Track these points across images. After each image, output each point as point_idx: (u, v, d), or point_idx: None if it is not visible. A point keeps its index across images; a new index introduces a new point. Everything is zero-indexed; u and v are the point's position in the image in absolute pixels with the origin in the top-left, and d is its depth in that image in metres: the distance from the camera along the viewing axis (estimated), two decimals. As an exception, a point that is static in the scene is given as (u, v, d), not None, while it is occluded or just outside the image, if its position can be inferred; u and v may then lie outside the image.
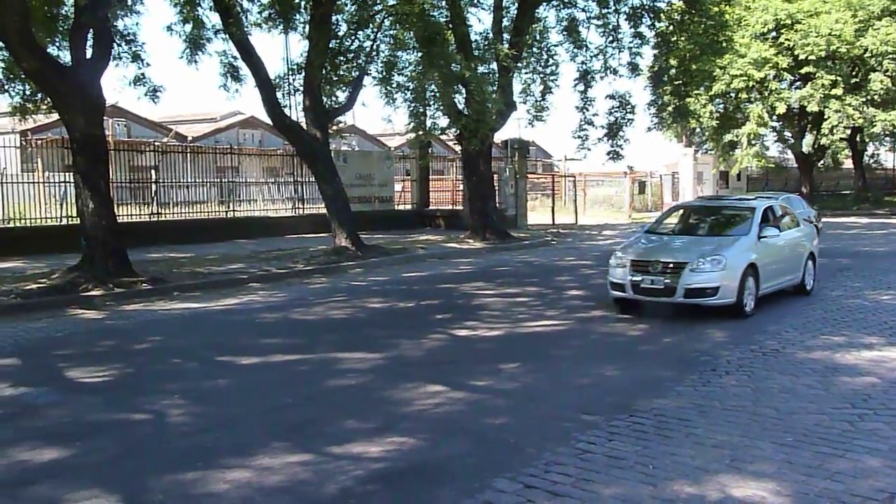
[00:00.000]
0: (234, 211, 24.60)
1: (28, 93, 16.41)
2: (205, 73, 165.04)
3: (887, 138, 43.05)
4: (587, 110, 24.45)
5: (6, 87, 16.32)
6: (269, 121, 22.04)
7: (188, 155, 24.46)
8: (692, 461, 5.30)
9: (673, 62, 25.29)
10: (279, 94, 19.20)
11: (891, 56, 33.24)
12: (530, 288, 14.19)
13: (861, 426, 5.96)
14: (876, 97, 34.28)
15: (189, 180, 23.86)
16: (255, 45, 18.29)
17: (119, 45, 15.81)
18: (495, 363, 8.31)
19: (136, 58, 16.20)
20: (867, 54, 33.79)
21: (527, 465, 5.25)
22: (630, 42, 24.14)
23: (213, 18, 18.20)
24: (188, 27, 17.61)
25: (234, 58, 18.63)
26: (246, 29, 18.29)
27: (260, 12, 19.25)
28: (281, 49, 55.38)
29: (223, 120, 46.43)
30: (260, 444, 5.75)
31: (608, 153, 24.84)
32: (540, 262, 18.78)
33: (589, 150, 25.21)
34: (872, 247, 20.91)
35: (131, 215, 21.38)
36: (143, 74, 16.25)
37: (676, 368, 7.90)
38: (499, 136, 25.76)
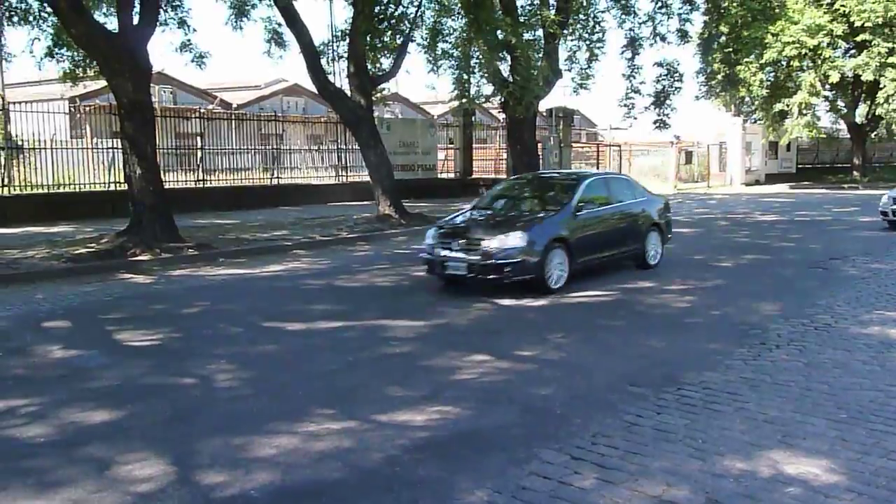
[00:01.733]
0: (277, 178, 24.76)
1: (77, 59, 16.60)
2: (249, 39, 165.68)
3: (946, 108, 41.66)
4: (634, 78, 24.04)
5: (55, 53, 16.53)
6: (312, 88, 22.08)
7: (233, 122, 24.65)
8: (742, 436, 5.20)
9: (723, 29, 24.71)
10: (323, 61, 19.17)
11: (952, 22, 32.10)
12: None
13: (919, 404, 5.79)
14: (935, 65, 33.16)
15: (234, 147, 24.06)
16: (299, 11, 18.23)
17: (165, 12, 15.90)
18: (541, 333, 8.26)
19: (182, 24, 16.29)
20: (927, 20, 32.65)
21: (573, 437, 5.20)
22: (679, 8, 23.66)
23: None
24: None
25: (279, 24, 18.66)
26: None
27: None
28: (326, 15, 55.36)
29: (267, 87, 46.59)
30: (305, 411, 5.77)
31: (655, 122, 24.46)
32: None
33: (635, 118, 24.83)
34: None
35: (177, 182, 21.64)
36: (188, 41, 16.37)
37: (725, 341, 7.76)
38: (543, 105, 25.44)
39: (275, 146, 25.33)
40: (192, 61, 16.51)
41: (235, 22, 17.80)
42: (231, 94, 43.00)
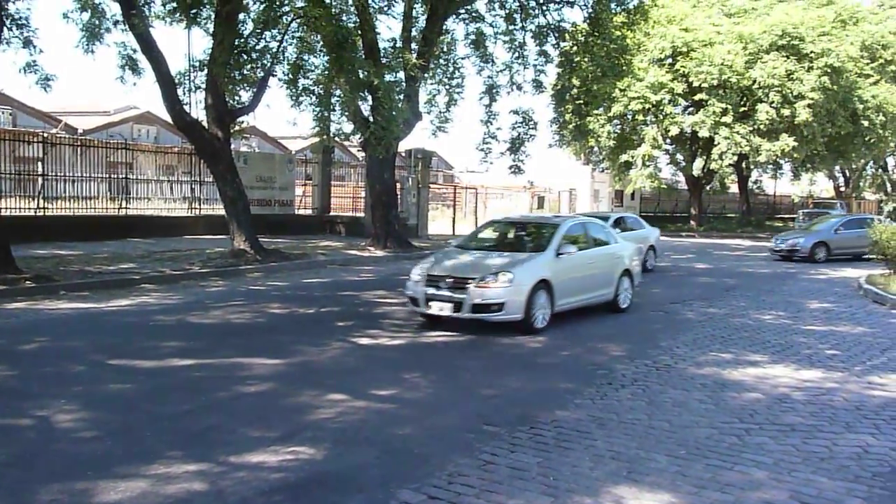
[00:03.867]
0: (126, 209, 23.70)
1: None
2: (100, 63, 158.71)
3: (770, 166, 45.44)
4: (491, 124, 24.75)
5: None
6: (165, 116, 21.42)
7: (78, 148, 23.39)
8: (591, 472, 5.42)
9: (575, 82, 26.00)
10: (180, 91, 18.66)
11: (776, 88, 35.10)
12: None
13: (748, 440, 6.23)
14: (762, 127, 36.10)
15: (79, 175, 22.83)
16: (157, 38, 17.71)
17: (10, 30, 15.02)
18: (398, 372, 8.30)
19: (27, 43, 15.39)
20: (755, 85, 35.58)
21: (431, 476, 5.25)
22: (535, 59, 24.65)
23: (113, 8, 17.54)
24: (86, 15, 16.92)
25: (134, 50, 17.99)
26: (148, 21, 17.69)
27: (163, 5, 18.68)
28: (184, 44, 53.96)
29: (117, 114, 44.79)
30: (155, 453, 5.54)
31: (510, 167, 25.20)
32: (441, 273, 18.84)
33: (491, 163, 25.50)
34: (756, 268, 21.96)
35: (14, 209, 20.29)
36: (34, 62, 15.47)
37: (575, 381, 8.07)
38: (403, 146, 25.79)
39: (124, 175, 24.27)
40: (38, 83, 15.61)
41: (87, 45, 17.03)
42: (78, 119, 41.01)
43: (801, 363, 9.20)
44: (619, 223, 19.68)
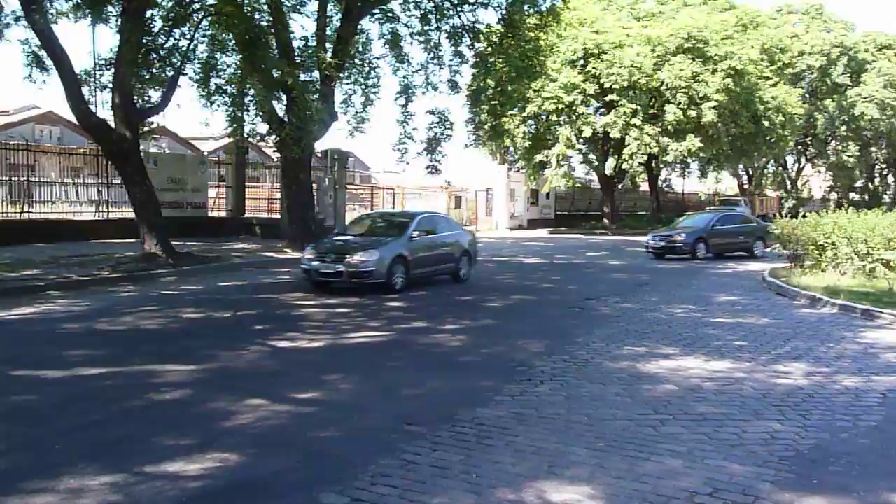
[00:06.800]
0: (28, 213, 22.76)
1: None
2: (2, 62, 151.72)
3: (678, 165, 46.93)
4: (407, 124, 24.72)
5: None
6: (70, 116, 20.67)
7: (-26, 150, 22.35)
8: (513, 468, 5.48)
9: (490, 82, 26.15)
10: (86, 90, 18.04)
11: (683, 90, 36.23)
12: (351, 299, 14.15)
13: (663, 430, 6.40)
14: (669, 127, 37.21)
15: (-25, 177, 21.81)
16: (62, 35, 17.10)
17: None
18: (319, 375, 8.22)
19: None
20: (663, 87, 36.64)
21: (353, 478, 5.21)
22: (450, 60, 24.76)
23: (13, 3, 16.84)
24: (-17, 11, 16.22)
25: (39, 47, 17.32)
26: (51, 18, 17.04)
27: (67, 0, 18.02)
28: (90, 42, 52.22)
29: (17, 114, 42.99)
30: (66, 466, 5.33)
31: (427, 167, 25.25)
32: (359, 274, 18.76)
33: (408, 163, 25.52)
34: (667, 264, 22.61)
35: None
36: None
37: (495, 378, 8.14)
38: (319, 146, 25.52)
39: (25, 178, 23.28)
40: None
41: (-15, 42, 16.34)
42: (-27, 120, 39.14)
43: (711, 355, 9.51)
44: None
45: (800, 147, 59.66)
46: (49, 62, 17.40)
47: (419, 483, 5.16)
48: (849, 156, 55.17)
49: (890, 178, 68.75)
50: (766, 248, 24.41)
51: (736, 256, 24.96)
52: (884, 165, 66.85)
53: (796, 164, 64.53)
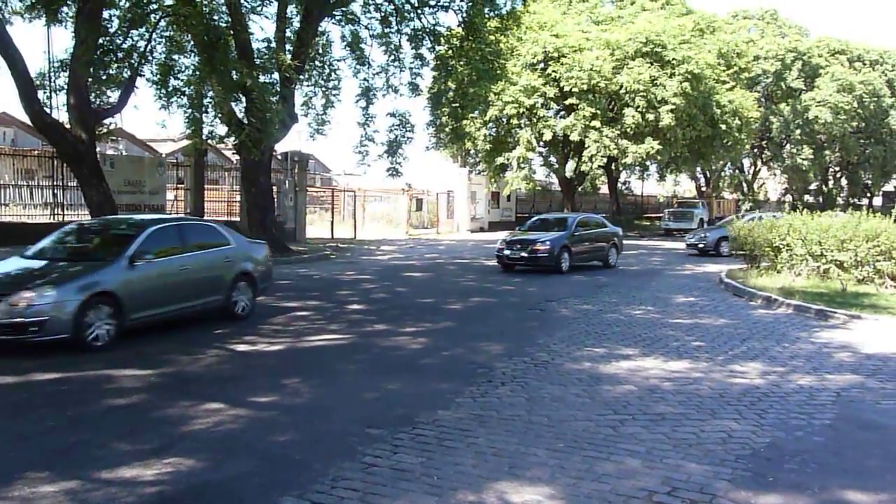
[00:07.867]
0: (-21, 216, 22.24)
1: None
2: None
3: (637, 168, 47.41)
4: (368, 126, 24.72)
5: None
6: (24, 118, 20.24)
7: (-76, 151, 21.80)
8: (474, 470, 5.48)
9: (451, 85, 26.24)
10: (41, 92, 17.71)
11: (641, 94, 36.61)
12: (311, 302, 14.07)
13: (622, 431, 6.46)
14: (628, 130, 37.57)
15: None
16: (14, 35, 16.76)
17: None
18: (278, 378, 8.15)
19: None
20: (622, 90, 36.99)
21: (313, 482, 5.18)
22: (411, 62, 24.81)
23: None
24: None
25: (-9, 46, 16.95)
26: (5, 17, 16.70)
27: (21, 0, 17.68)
28: (44, 42, 51.26)
29: (-32, 115, 41.96)
30: (17, 473, 5.22)
31: (388, 170, 25.25)
32: (320, 276, 18.68)
33: (369, 166, 25.53)
34: (626, 266, 22.82)
35: None
36: None
37: (456, 381, 8.14)
38: (279, 148, 25.42)
39: (-24, 180, 22.76)
40: None
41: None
42: (-78, 121, 38.15)
43: (669, 355, 9.63)
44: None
45: (756, 150, 60.67)
46: (1, 62, 17.04)
47: (380, 486, 5.15)
48: (803, 159, 56.21)
49: (843, 181, 70.21)
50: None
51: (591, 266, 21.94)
52: (837, 168, 68.26)
53: (752, 167, 65.62)
